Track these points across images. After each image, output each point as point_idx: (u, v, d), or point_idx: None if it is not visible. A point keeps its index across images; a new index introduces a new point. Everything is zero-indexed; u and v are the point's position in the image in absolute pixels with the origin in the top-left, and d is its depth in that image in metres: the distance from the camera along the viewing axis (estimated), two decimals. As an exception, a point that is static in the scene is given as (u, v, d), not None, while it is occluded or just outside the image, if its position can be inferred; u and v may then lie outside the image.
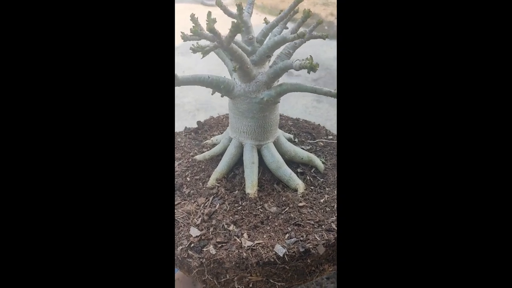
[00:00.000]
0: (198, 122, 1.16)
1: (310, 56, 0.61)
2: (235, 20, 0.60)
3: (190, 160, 0.96)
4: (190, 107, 1.15)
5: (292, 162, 0.94)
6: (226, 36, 0.62)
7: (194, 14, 0.74)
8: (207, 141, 1.05)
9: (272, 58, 0.84)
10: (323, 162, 0.95)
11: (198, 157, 0.96)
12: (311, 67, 0.61)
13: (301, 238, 0.71)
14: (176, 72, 0.66)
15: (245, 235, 0.72)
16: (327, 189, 0.87)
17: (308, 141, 1.09)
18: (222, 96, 0.79)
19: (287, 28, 0.86)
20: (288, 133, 1.12)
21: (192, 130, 1.13)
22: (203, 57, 0.63)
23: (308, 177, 0.92)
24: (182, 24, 0.72)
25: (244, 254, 0.68)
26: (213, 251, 0.69)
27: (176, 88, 0.65)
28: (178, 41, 0.68)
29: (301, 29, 0.72)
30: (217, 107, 1.33)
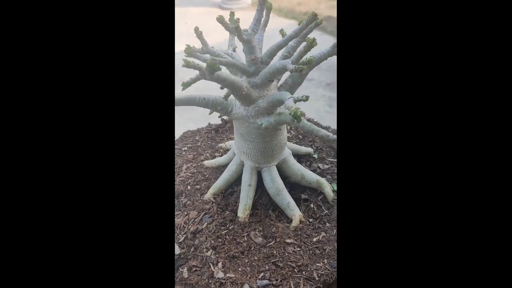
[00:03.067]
0: (222, 120, 1.14)
1: (297, 108, 0.53)
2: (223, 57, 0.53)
3: (199, 164, 0.96)
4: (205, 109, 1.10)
5: (299, 185, 0.87)
6: (205, 71, 0.56)
7: (198, 28, 0.69)
8: (221, 144, 1.03)
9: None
10: (334, 190, 0.87)
11: (207, 163, 0.95)
12: (295, 117, 0.53)
13: (274, 282, 0.68)
14: (176, 87, 0.63)
15: (220, 264, 0.71)
16: (327, 224, 0.80)
17: (329, 158, 0.99)
18: (219, 117, 0.75)
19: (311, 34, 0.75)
20: (310, 145, 1.03)
21: (214, 128, 1.11)
22: (183, 89, 0.59)
23: (312, 205, 0.85)
24: (202, 27, 0.69)
25: (213, 286, 0.68)
26: (185, 274, 0.71)
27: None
28: (178, 47, 0.63)
29: (307, 56, 0.62)
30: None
